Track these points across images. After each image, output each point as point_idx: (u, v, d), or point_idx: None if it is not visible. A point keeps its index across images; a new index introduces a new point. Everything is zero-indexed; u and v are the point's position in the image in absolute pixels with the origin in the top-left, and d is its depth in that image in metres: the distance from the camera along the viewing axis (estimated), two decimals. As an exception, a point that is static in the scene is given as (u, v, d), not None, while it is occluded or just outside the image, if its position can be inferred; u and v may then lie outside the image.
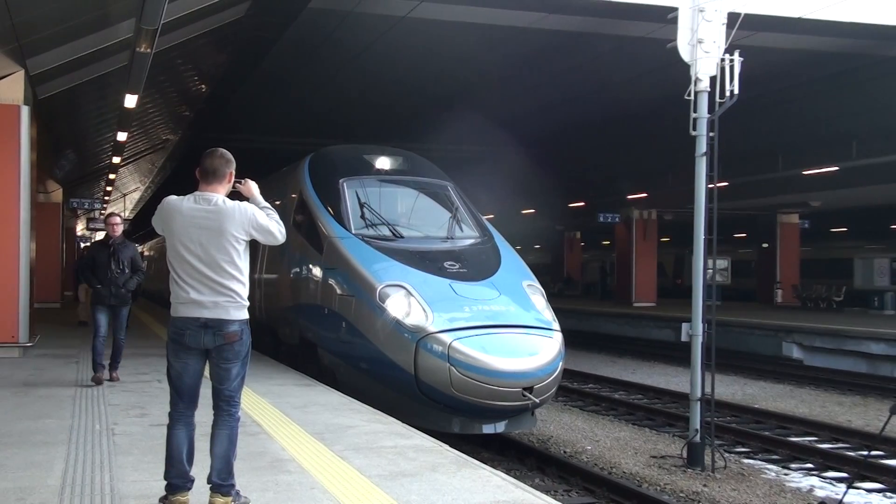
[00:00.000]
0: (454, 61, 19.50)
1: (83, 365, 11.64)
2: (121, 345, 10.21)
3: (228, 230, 4.68)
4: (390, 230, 10.96)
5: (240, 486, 4.84)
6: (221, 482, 4.69)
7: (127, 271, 9.91)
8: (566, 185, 35.73)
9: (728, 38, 9.96)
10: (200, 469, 4.82)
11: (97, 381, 9.76)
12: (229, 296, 4.68)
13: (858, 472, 9.30)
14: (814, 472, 10.30)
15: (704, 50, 9.86)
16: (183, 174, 28.01)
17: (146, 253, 38.21)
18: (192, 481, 4.77)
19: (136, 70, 11.57)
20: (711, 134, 9.95)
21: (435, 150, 24.86)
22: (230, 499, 4.71)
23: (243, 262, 4.76)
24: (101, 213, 40.21)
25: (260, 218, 4.80)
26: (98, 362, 9.92)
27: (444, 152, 26.23)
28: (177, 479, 4.72)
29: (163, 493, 4.77)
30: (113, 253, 9.87)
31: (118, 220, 10.21)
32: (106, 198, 38.93)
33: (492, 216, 28.85)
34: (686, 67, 10.07)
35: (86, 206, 32.68)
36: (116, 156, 24.16)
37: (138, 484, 5.33)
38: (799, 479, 9.94)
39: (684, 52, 10.03)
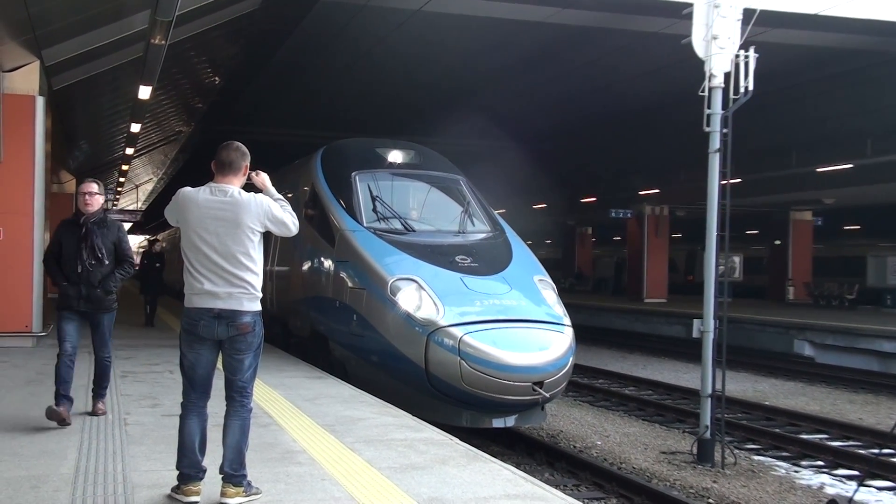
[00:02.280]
0: (466, 56, 19.49)
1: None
2: (106, 366, 7.30)
3: (245, 222, 4.71)
4: (402, 224, 10.98)
5: (251, 476, 4.87)
6: (233, 472, 4.72)
7: (107, 262, 6.97)
8: (578, 181, 35.68)
9: (743, 35, 9.91)
10: (213, 459, 4.85)
11: (54, 417, 6.70)
12: (243, 287, 4.71)
13: (869, 470, 9.28)
14: (824, 470, 10.27)
15: (719, 46, 9.83)
16: (195, 166, 28.18)
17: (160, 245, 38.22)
18: (205, 471, 4.81)
19: (151, 62, 11.60)
20: (725, 130, 9.92)
21: (446, 144, 24.81)
22: (242, 489, 4.74)
23: (258, 254, 4.79)
24: (114, 205, 40.46)
25: (275, 210, 4.82)
26: (62, 393, 6.85)
27: (455, 147, 26.20)
28: (189, 469, 4.75)
29: (175, 482, 4.82)
30: (85, 236, 6.92)
31: (94, 188, 7.09)
32: (119, 189, 39.08)
33: (503, 210, 28.87)
34: (700, 63, 10.04)
35: (99, 197, 32.77)
36: (129, 147, 24.27)
37: (151, 473, 5.37)
38: (809, 477, 9.92)
39: (699, 48, 10.00)
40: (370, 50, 18.46)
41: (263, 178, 5.08)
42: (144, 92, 14.06)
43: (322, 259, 11.51)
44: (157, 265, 17.25)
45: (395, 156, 12.31)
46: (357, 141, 13.58)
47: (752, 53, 9.86)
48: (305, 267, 12.18)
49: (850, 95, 21.13)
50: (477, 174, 14.48)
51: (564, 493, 5.53)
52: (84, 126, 23.16)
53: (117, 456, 5.85)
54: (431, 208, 11.75)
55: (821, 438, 11.91)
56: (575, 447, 10.98)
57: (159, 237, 37.11)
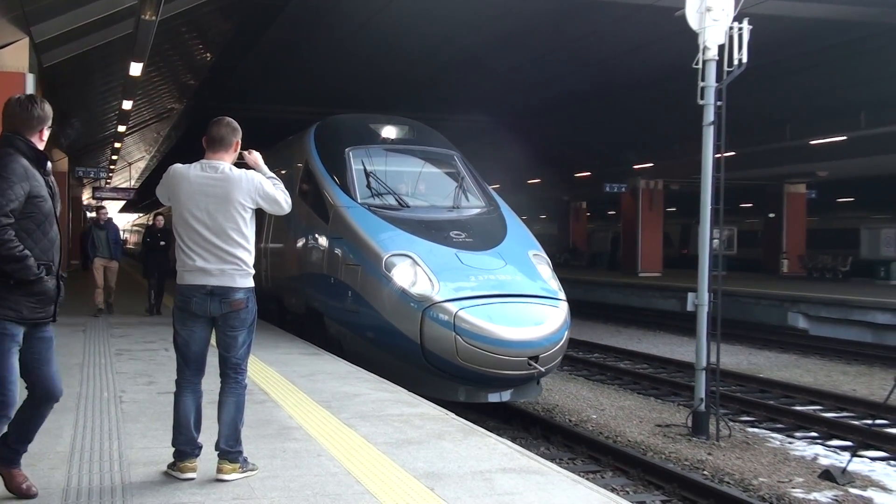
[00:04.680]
0: (461, 29, 19.35)
1: (90, 333, 11.72)
2: (37, 416, 4.38)
3: (236, 198, 4.69)
4: (396, 199, 10.96)
5: (247, 453, 4.88)
6: (229, 449, 4.73)
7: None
8: (572, 156, 35.60)
9: (737, 6, 9.85)
10: (208, 437, 4.85)
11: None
12: (235, 264, 4.70)
13: (863, 440, 9.32)
14: (818, 441, 10.33)
15: (713, 18, 9.76)
16: (188, 143, 28.05)
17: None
18: (200, 448, 4.81)
19: (141, 38, 11.51)
20: (719, 103, 9.89)
21: (442, 119, 24.73)
22: (238, 465, 4.75)
23: (249, 231, 4.77)
24: (106, 182, 40.31)
25: (267, 187, 4.80)
26: (10, 455, 4.37)
27: (450, 122, 26.10)
28: (185, 446, 4.76)
29: (171, 459, 4.82)
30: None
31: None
32: (111, 167, 38.90)
33: (497, 186, 28.82)
34: (694, 36, 9.98)
35: (91, 175, 32.73)
36: (122, 125, 24.18)
37: (146, 451, 5.38)
38: (803, 448, 9.98)
39: (693, 21, 9.92)
40: (364, 24, 18.32)
41: (256, 157, 5.05)
42: (136, 68, 13.97)
43: (316, 236, 11.49)
44: (163, 243, 14.78)
45: (389, 131, 12.27)
46: (350, 117, 13.52)
47: (745, 25, 9.80)
48: (300, 244, 12.15)
49: (844, 67, 21.04)
50: (471, 150, 14.42)
51: (560, 467, 5.56)
52: (76, 103, 23.00)
53: (113, 434, 5.86)
54: (426, 184, 11.73)
55: (815, 410, 11.97)
56: (570, 421, 11.02)
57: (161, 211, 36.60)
